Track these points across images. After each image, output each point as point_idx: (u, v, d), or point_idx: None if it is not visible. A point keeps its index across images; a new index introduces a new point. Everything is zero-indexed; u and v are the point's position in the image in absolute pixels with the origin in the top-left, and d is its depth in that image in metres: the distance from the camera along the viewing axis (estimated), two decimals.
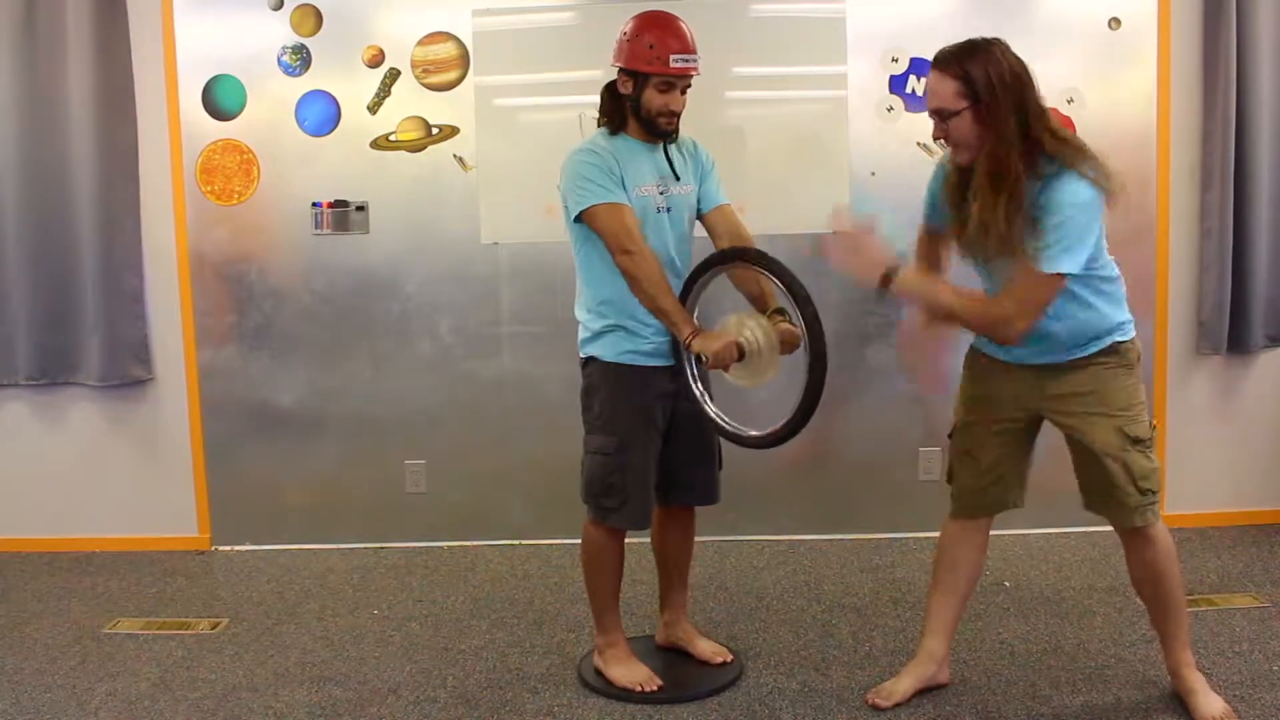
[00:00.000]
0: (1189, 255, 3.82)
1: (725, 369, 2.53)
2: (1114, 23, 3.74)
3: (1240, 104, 3.68)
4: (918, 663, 2.70)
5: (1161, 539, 2.53)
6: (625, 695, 2.73)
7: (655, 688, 2.74)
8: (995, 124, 2.27)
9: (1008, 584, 3.40)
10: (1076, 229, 2.27)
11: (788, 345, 2.55)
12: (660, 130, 2.63)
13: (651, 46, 2.56)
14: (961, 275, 2.58)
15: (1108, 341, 2.46)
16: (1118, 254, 3.79)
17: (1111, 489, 2.46)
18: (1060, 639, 2.99)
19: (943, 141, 2.38)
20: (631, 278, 2.55)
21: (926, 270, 2.57)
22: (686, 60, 2.57)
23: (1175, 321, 3.85)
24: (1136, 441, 2.45)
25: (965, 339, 2.66)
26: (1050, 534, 3.86)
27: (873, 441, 3.90)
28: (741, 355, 2.52)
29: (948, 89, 2.30)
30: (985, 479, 2.61)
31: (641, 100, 2.60)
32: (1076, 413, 2.47)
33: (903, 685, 2.66)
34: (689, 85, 2.63)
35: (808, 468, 3.92)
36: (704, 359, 2.51)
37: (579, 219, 2.61)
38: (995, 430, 2.58)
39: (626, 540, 2.81)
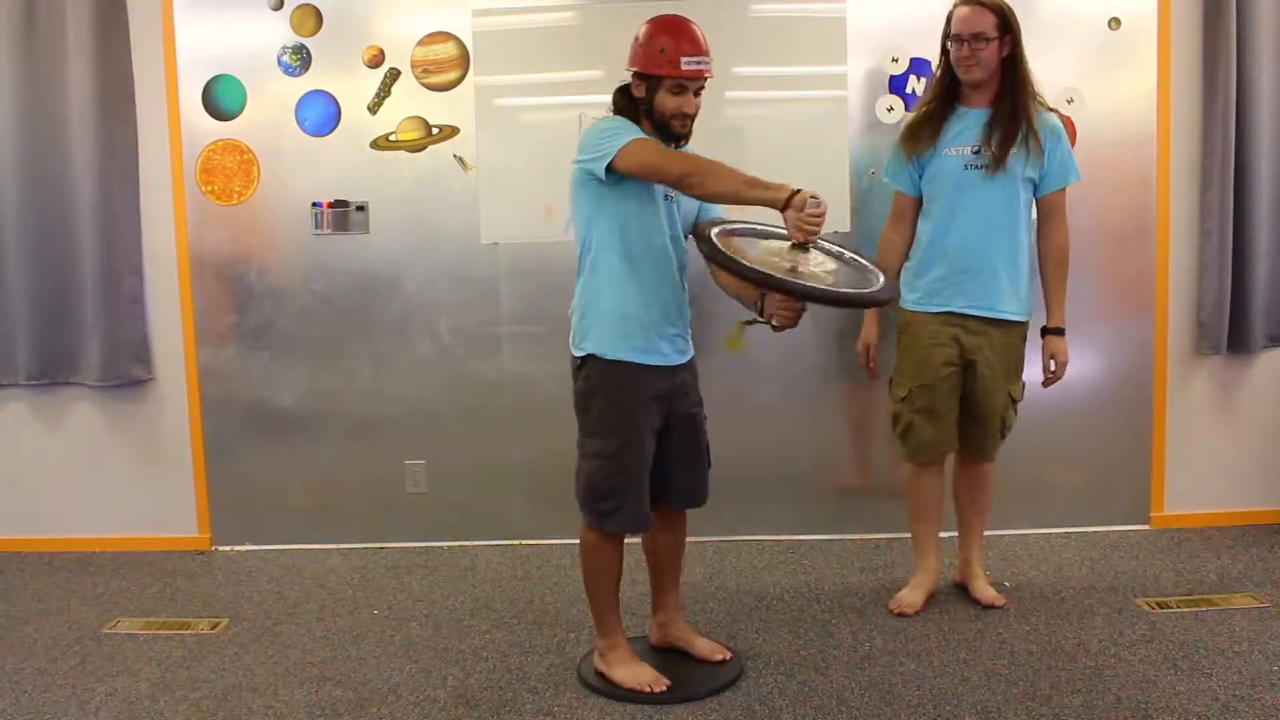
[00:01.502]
0: (1189, 255, 3.82)
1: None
2: (1114, 23, 3.74)
3: (1240, 104, 3.68)
4: (926, 579, 3.24)
5: (993, 464, 3.27)
6: (631, 696, 2.72)
7: (664, 688, 2.72)
8: (1016, 53, 3.01)
9: (1008, 584, 3.40)
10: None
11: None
12: (674, 133, 2.64)
13: (663, 50, 2.57)
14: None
15: (1028, 309, 3.13)
16: (1118, 253, 3.86)
17: (987, 433, 3.17)
18: (1060, 639, 2.99)
19: (964, 60, 2.99)
20: (701, 182, 2.49)
21: (899, 233, 3.19)
22: (699, 63, 2.58)
23: (1175, 321, 3.85)
24: (1014, 401, 3.16)
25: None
26: (1050, 534, 3.86)
27: (873, 441, 3.90)
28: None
29: (989, 20, 2.97)
30: (944, 431, 3.15)
31: (655, 103, 2.62)
32: (987, 375, 3.09)
33: (919, 596, 3.20)
34: (702, 87, 2.64)
35: (808, 468, 3.93)
36: (817, 201, 2.38)
37: (610, 170, 2.54)
38: (946, 387, 3.11)
39: (626, 541, 2.81)
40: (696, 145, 2.75)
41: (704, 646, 2.90)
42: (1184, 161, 3.79)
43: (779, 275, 2.43)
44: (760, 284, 2.48)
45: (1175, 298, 3.84)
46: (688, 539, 2.96)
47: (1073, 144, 3.72)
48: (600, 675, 2.81)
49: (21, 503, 4.05)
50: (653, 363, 2.68)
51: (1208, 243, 3.77)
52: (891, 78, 3.76)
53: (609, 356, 2.66)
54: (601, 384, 2.68)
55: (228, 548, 4.03)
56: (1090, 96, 3.74)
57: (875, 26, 3.73)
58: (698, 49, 2.59)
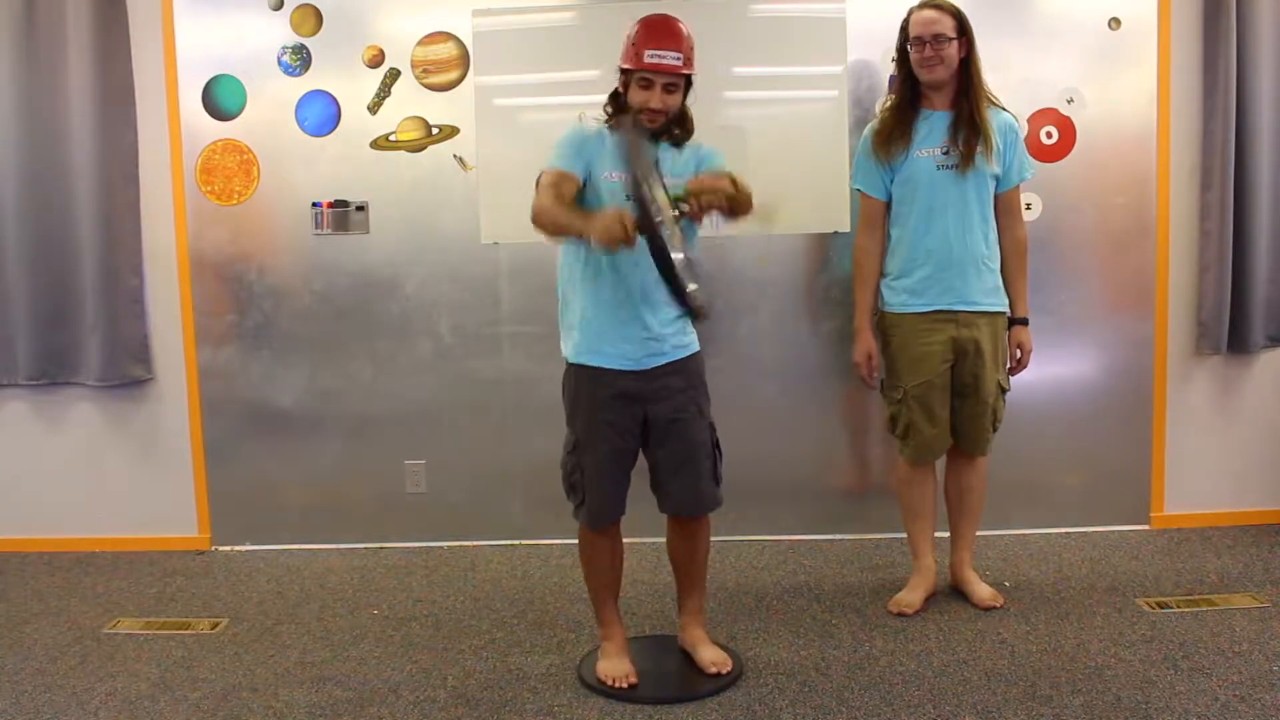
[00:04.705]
0: (1189, 255, 3.82)
1: (630, 237, 2.31)
2: (1114, 23, 3.74)
3: (1240, 104, 3.68)
4: (923, 579, 3.25)
5: (985, 461, 3.29)
6: (602, 689, 2.74)
7: (627, 684, 2.74)
8: (972, 53, 3.09)
9: (1008, 584, 3.40)
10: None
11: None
12: (646, 127, 2.62)
13: (634, 44, 2.61)
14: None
15: (1006, 301, 3.18)
16: (1118, 254, 3.86)
17: (980, 426, 3.20)
18: (1060, 639, 2.99)
19: (928, 60, 3.05)
20: (535, 227, 2.53)
21: (875, 239, 3.22)
22: (659, 56, 2.58)
23: (1175, 321, 3.85)
24: (1003, 391, 3.22)
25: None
26: (1050, 534, 3.86)
27: (873, 441, 3.90)
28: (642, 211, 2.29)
29: (948, 22, 3.06)
30: (941, 429, 3.19)
31: (628, 97, 2.65)
32: (981, 365, 3.13)
33: (917, 596, 3.22)
34: (674, 85, 2.62)
35: (808, 468, 3.93)
36: (603, 244, 2.34)
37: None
38: (941, 383, 3.15)
39: (628, 541, 2.83)
40: None
41: (706, 656, 2.85)
42: (1184, 161, 3.79)
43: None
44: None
45: (1175, 298, 3.84)
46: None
47: (1073, 144, 3.75)
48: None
49: (21, 503, 4.05)
50: (611, 366, 2.68)
51: (1208, 243, 3.77)
52: (891, 77, 3.75)
53: (571, 360, 2.73)
54: (568, 384, 2.76)
55: (228, 548, 4.03)
56: (1090, 96, 3.74)
57: (875, 26, 3.72)
58: (663, 44, 2.59)
